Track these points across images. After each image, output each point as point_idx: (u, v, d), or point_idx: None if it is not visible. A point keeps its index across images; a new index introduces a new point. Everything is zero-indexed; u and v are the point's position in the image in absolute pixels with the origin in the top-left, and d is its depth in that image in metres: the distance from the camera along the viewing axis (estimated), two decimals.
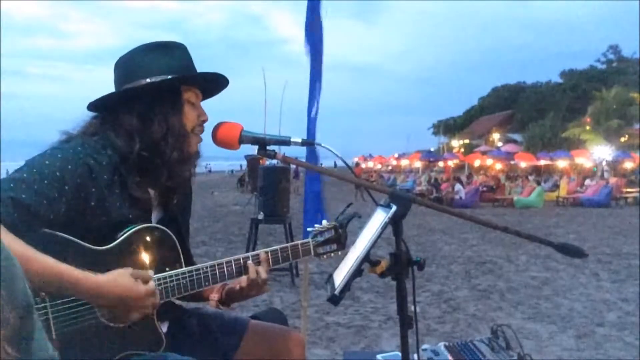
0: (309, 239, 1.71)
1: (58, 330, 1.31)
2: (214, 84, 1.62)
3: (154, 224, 1.52)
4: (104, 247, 1.40)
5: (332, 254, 1.73)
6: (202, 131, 1.56)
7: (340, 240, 1.73)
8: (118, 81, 1.53)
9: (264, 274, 1.59)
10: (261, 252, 1.63)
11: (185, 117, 1.51)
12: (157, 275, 1.45)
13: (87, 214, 1.39)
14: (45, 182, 1.31)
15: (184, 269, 1.51)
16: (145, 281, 1.36)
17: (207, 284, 1.53)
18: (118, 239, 1.43)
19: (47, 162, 1.35)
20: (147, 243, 1.47)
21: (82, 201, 1.37)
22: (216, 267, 1.54)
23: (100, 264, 1.36)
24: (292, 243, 1.69)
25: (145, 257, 1.46)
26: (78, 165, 1.37)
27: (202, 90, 1.57)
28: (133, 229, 1.45)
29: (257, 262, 1.61)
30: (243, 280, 1.60)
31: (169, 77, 1.48)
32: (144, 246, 1.46)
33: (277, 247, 1.65)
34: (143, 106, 1.47)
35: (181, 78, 1.50)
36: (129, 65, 1.52)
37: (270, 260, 1.62)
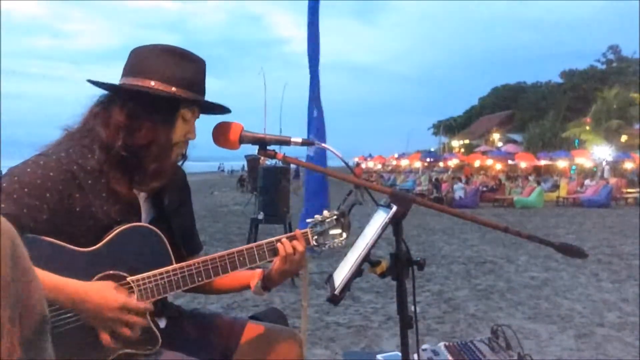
0: (307, 229, 1.67)
1: (52, 331, 1.31)
2: (215, 110, 1.60)
3: (139, 224, 1.50)
4: (90, 249, 1.40)
5: (335, 243, 1.68)
6: (185, 147, 1.55)
7: (344, 228, 1.69)
8: (126, 68, 1.51)
9: (300, 247, 1.60)
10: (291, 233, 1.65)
11: (174, 131, 1.49)
12: (147, 273, 1.45)
13: (73, 219, 1.38)
14: (26, 190, 1.31)
15: (175, 265, 1.50)
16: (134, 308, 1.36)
17: (200, 279, 1.52)
18: (104, 239, 1.42)
19: (28, 169, 1.35)
20: (133, 242, 1.46)
21: (66, 207, 1.36)
22: (209, 262, 1.54)
23: (87, 265, 1.37)
24: (289, 234, 1.65)
25: (133, 256, 1.45)
26: (60, 172, 1.36)
27: (200, 110, 1.55)
28: (119, 229, 1.44)
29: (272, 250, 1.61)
30: (275, 260, 1.62)
31: (173, 89, 1.46)
32: (131, 245, 1.46)
33: (273, 238, 1.63)
34: (136, 108, 1.45)
35: (185, 98, 1.48)
36: (141, 60, 1.49)
37: (266, 253, 1.61)
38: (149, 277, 1.44)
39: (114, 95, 1.49)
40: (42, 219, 1.32)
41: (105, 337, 1.35)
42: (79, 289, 1.30)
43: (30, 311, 0.59)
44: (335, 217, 1.70)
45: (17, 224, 1.26)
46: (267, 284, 1.69)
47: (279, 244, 1.61)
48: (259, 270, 1.70)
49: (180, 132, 1.51)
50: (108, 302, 1.32)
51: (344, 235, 1.69)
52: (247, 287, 1.71)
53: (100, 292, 1.33)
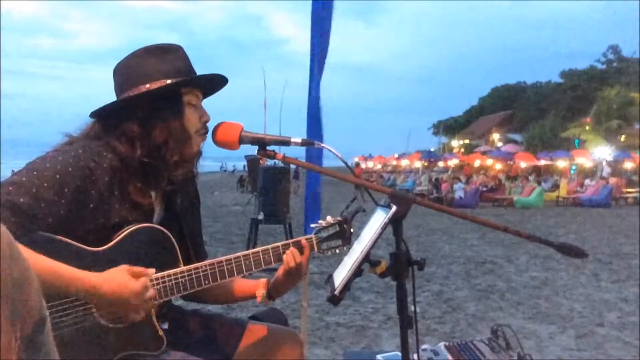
0: (312, 235, 1.68)
1: (55, 331, 1.31)
2: (214, 84, 1.62)
3: (150, 224, 1.51)
4: (100, 249, 1.40)
5: (337, 250, 1.70)
6: (207, 131, 1.56)
7: (345, 236, 1.70)
8: (118, 87, 1.53)
9: (305, 257, 1.62)
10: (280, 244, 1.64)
11: (187, 119, 1.51)
12: (155, 275, 1.45)
13: (87, 216, 1.39)
14: (45, 185, 1.31)
15: (183, 267, 1.50)
16: (141, 276, 1.37)
17: (207, 282, 1.52)
18: (114, 239, 1.43)
19: (47, 164, 1.35)
20: (143, 243, 1.47)
21: (81, 204, 1.37)
22: (215, 265, 1.54)
23: (97, 265, 1.37)
24: (295, 239, 1.66)
25: (142, 257, 1.46)
26: (78, 168, 1.37)
27: (202, 90, 1.57)
28: (129, 230, 1.45)
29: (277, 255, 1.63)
30: (279, 271, 1.63)
31: (168, 81, 1.48)
32: (140, 246, 1.46)
33: (279, 243, 1.64)
34: (144, 112, 1.47)
35: (180, 82, 1.50)
36: (127, 71, 1.51)
37: (272, 257, 1.62)
38: (157, 279, 1.45)
39: (118, 112, 1.50)
40: (58, 215, 1.32)
41: (134, 317, 1.38)
42: (96, 279, 1.31)
43: (29, 312, 0.59)
44: (337, 223, 1.71)
45: (34, 218, 1.27)
46: (273, 293, 1.70)
47: (285, 255, 1.61)
48: (263, 280, 1.71)
49: (193, 119, 1.52)
50: (127, 290, 1.33)
51: (345, 246, 1.70)
52: (252, 297, 1.72)
53: (116, 279, 1.33)
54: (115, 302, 1.33)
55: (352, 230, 1.71)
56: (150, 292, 1.39)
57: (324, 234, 1.69)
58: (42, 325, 0.61)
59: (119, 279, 1.34)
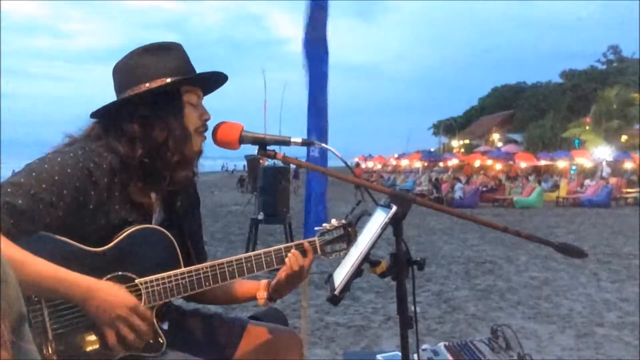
0: (316, 238, 1.67)
1: (55, 331, 1.31)
2: (213, 82, 1.62)
3: (150, 225, 1.51)
4: (100, 249, 1.40)
5: (341, 253, 1.68)
6: (206, 130, 1.55)
7: (350, 239, 1.69)
8: (117, 87, 1.53)
9: (308, 261, 1.61)
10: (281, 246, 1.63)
11: (187, 118, 1.50)
12: (155, 275, 1.45)
13: (86, 217, 1.39)
14: (43, 186, 1.31)
15: (183, 269, 1.50)
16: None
17: (207, 284, 1.51)
18: (115, 240, 1.43)
19: (46, 166, 1.35)
20: (144, 244, 1.46)
21: (81, 205, 1.37)
22: (217, 267, 1.53)
23: (97, 265, 1.37)
24: (297, 242, 1.66)
25: (143, 257, 1.45)
26: (77, 169, 1.37)
27: (201, 89, 1.56)
28: (130, 230, 1.45)
29: (280, 259, 1.61)
30: (281, 273, 1.62)
31: (168, 80, 1.48)
32: (141, 247, 1.46)
33: (282, 246, 1.63)
34: (144, 112, 1.46)
35: (180, 80, 1.50)
36: (127, 70, 1.51)
37: (274, 260, 1.61)
38: (157, 280, 1.44)
39: (118, 111, 1.50)
40: (57, 216, 1.32)
41: (111, 336, 1.34)
42: (92, 284, 1.31)
43: (11, 309, 0.59)
44: (342, 226, 1.70)
45: (32, 219, 1.27)
46: (274, 295, 1.69)
47: (287, 258, 1.60)
48: (264, 282, 1.70)
49: (193, 117, 1.52)
50: (119, 300, 1.32)
51: (347, 246, 1.69)
52: (253, 298, 1.71)
53: (112, 289, 1.33)
54: (104, 311, 1.31)
55: (356, 233, 1.70)
56: (141, 322, 1.35)
57: (328, 237, 1.68)
58: (23, 323, 0.61)
59: (116, 290, 1.34)
